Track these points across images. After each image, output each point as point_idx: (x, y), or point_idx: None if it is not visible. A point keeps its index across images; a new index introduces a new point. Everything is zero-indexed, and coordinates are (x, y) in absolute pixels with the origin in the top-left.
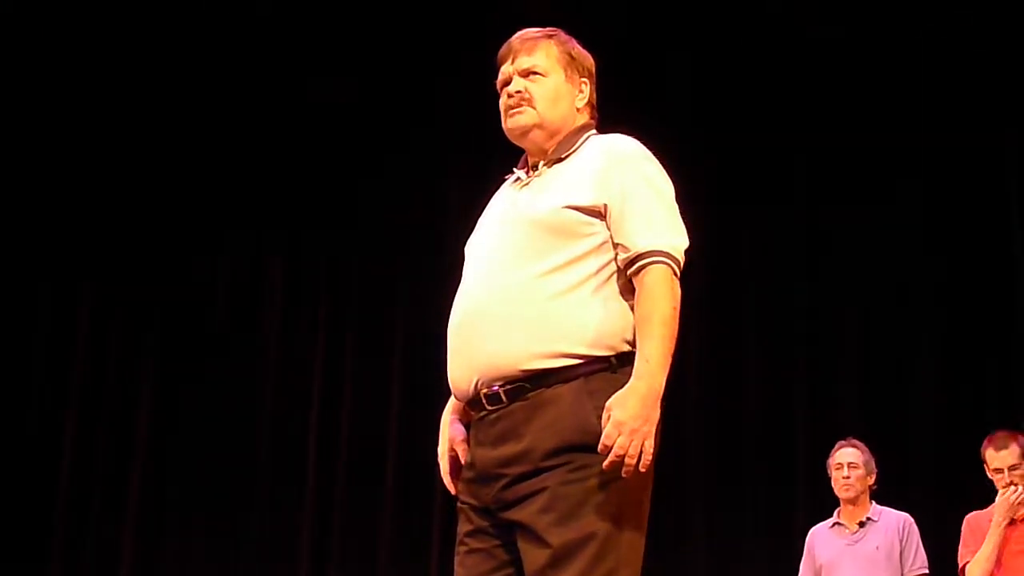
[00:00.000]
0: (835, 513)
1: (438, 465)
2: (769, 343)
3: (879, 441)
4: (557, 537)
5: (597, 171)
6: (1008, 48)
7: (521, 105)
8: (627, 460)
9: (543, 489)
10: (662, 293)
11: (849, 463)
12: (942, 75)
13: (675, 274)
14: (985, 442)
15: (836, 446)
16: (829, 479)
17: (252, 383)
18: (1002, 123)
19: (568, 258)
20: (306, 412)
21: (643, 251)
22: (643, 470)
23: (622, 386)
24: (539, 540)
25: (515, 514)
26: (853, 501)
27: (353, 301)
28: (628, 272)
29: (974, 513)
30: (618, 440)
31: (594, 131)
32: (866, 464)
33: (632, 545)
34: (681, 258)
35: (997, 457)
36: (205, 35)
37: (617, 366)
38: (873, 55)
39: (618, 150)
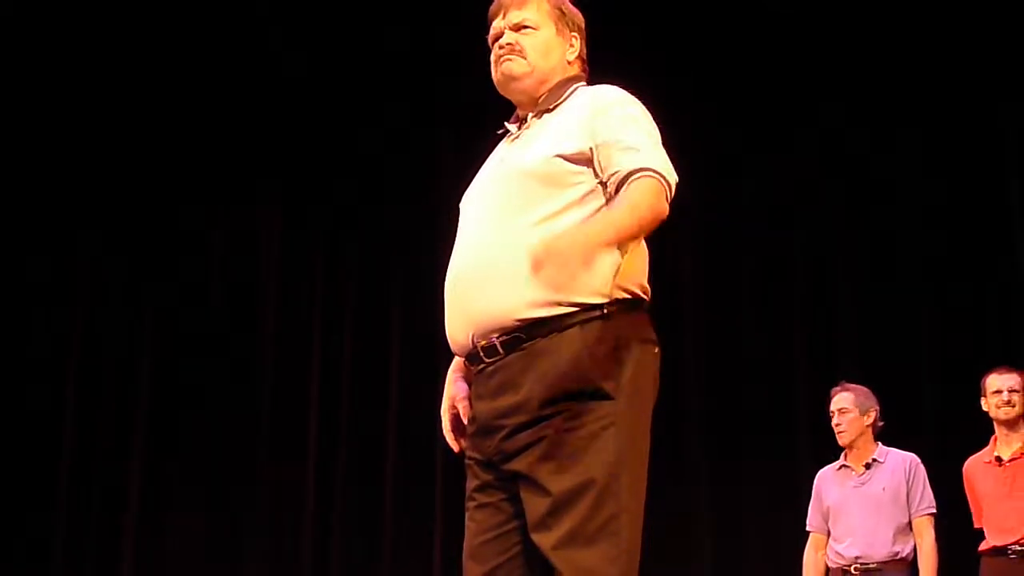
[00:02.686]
0: (842, 455)
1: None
2: (767, 291)
3: (880, 384)
4: (556, 485)
5: (582, 118)
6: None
7: (512, 55)
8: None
9: (542, 438)
10: (643, 195)
11: (840, 409)
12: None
13: (666, 192)
14: (987, 373)
15: (831, 392)
16: (831, 429)
17: (251, 369)
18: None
19: (558, 206)
20: (305, 392)
21: (632, 169)
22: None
23: (618, 333)
24: (539, 489)
25: (516, 464)
26: (851, 445)
27: (351, 278)
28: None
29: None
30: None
31: (583, 83)
32: (860, 406)
33: (632, 490)
34: (673, 180)
35: (999, 379)
36: (203, 14)
37: (612, 313)
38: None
39: (602, 97)
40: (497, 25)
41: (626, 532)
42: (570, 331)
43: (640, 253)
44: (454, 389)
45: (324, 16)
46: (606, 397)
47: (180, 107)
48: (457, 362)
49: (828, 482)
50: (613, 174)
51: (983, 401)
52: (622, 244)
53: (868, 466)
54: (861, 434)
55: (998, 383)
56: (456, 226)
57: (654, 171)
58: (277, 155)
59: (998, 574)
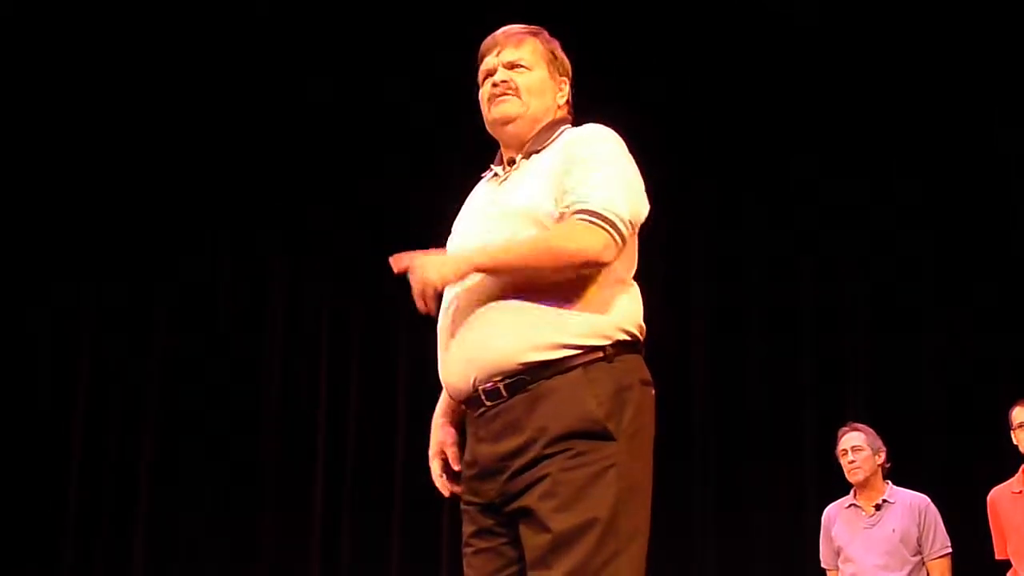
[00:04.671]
0: (851, 493)
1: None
2: (774, 324)
3: (889, 420)
4: (559, 523)
5: (563, 159)
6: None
7: (507, 94)
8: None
9: (544, 476)
10: (559, 233)
11: (853, 447)
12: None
13: (605, 235)
14: (1014, 404)
15: (840, 433)
16: (839, 466)
17: (257, 385)
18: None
19: None
20: (313, 411)
21: (575, 210)
22: (419, 302)
23: (620, 374)
24: (540, 525)
25: (519, 503)
26: (864, 484)
27: (357, 300)
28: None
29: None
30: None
31: (569, 125)
32: (871, 445)
33: (633, 530)
34: (619, 219)
35: (1023, 412)
36: (206, 37)
37: (613, 355)
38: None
39: (578, 134)
40: (490, 62)
41: (625, 573)
42: (573, 372)
43: (635, 294)
44: (442, 434)
45: (327, 64)
46: (608, 438)
47: (183, 109)
48: (442, 406)
49: (837, 521)
50: (563, 210)
51: (1012, 434)
52: (516, 271)
53: (878, 507)
54: (874, 473)
55: (1022, 416)
56: None
57: (593, 213)
58: (281, 205)
59: None
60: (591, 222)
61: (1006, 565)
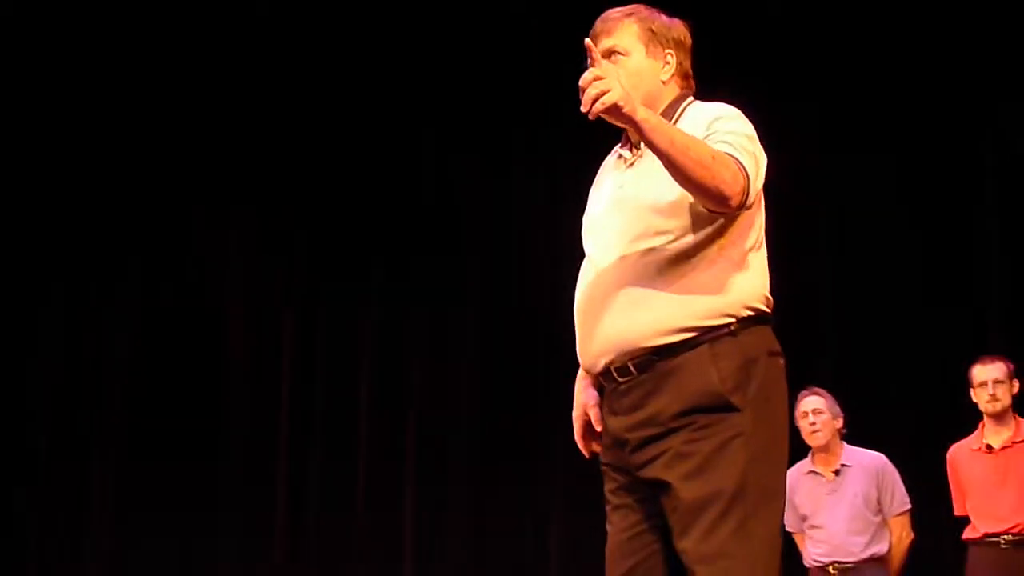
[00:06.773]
0: (809, 457)
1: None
2: None
3: (855, 375)
4: (687, 492)
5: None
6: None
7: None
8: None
9: (668, 450)
10: (717, 157)
11: (814, 409)
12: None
13: (741, 181)
14: (974, 363)
15: (799, 396)
16: (798, 429)
17: (219, 360)
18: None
19: (682, 234)
20: (276, 386)
21: (724, 151)
22: (591, 107)
23: (746, 348)
24: (673, 494)
25: (647, 472)
26: (824, 448)
27: (322, 274)
28: None
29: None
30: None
31: (691, 99)
32: (831, 409)
33: (763, 495)
34: (751, 182)
35: (983, 371)
36: (208, 39)
37: (739, 330)
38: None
39: (711, 113)
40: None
41: (758, 537)
42: (700, 348)
43: (760, 268)
44: (585, 396)
45: (325, 62)
46: (733, 409)
47: (182, 106)
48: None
49: (799, 487)
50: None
51: (971, 392)
52: (662, 154)
53: (837, 472)
54: (833, 436)
55: (983, 375)
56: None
57: (739, 161)
58: (281, 205)
59: (990, 563)
60: (742, 170)
61: (965, 521)
